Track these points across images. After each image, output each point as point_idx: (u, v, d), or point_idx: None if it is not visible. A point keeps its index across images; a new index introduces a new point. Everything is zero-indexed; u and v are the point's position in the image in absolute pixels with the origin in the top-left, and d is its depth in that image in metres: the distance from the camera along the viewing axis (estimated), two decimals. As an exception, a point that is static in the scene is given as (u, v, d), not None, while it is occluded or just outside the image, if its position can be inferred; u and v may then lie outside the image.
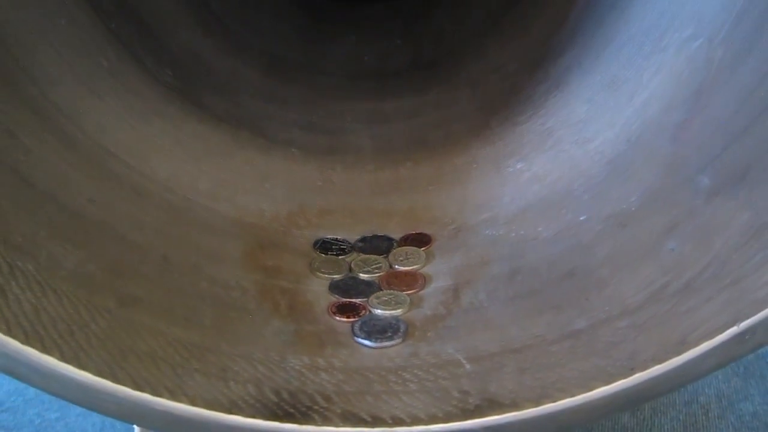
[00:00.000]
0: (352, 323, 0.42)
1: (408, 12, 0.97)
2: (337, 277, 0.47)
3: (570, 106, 0.57)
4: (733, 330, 0.32)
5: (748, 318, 0.32)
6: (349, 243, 0.51)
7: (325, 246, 0.50)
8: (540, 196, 0.51)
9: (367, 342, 0.40)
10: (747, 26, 0.45)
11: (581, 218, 0.47)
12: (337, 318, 0.42)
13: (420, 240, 0.51)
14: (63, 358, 0.30)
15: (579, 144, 0.53)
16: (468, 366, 0.36)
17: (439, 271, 0.47)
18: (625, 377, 0.32)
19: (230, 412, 0.31)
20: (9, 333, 0.30)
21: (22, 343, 0.30)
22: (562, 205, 0.49)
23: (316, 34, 0.91)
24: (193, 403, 0.31)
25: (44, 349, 0.30)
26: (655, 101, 0.50)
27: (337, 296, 0.45)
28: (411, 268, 0.48)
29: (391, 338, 0.40)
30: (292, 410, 0.32)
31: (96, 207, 0.43)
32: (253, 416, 0.32)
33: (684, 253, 0.38)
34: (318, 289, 0.45)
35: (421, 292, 0.45)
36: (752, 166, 0.39)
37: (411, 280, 0.46)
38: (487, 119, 0.62)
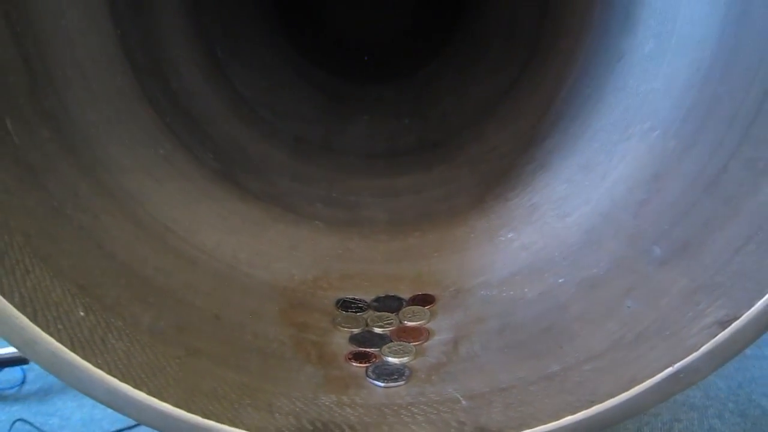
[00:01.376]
0: (366, 368, 0.50)
1: (415, 95, 1.09)
2: (355, 331, 0.56)
3: (552, 185, 0.66)
4: (669, 370, 0.40)
5: (680, 360, 0.40)
6: (366, 302, 0.60)
7: (345, 305, 0.59)
8: (527, 263, 0.60)
9: (377, 383, 0.48)
10: (693, 123, 0.55)
11: (560, 281, 0.56)
12: (353, 364, 0.51)
13: (425, 300, 0.59)
14: (150, 393, 0.39)
15: (559, 218, 0.62)
16: (464, 402, 0.45)
17: (441, 326, 0.56)
18: (586, 409, 0.41)
19: (277, 437, 0.40)
20: (110, 373, 0.39)
21: (120, 381, 0.39)
22: (544, 270, 0.58)
23: (333, 115, 1.02)
24: (249, 430, 0.40)
25: (136, 386, 0.39)
26: (622, 182, 0.59)
27: (355, 347, 0.53)
28: (417, 323, 0.56)
29: (396, 380, 0.48)
30: (324, 436, 0.41)
31: (160, 274, 0.52)
32: (295, 440, 0.41)
33: (637, 310, 0.47)
34: (340, 341, 0.54)
35: (426, 343, 0.54)
36: (691, 241, 0.48)
37: (417, 334, 0.55)
38: (483, 194, 0.71)
